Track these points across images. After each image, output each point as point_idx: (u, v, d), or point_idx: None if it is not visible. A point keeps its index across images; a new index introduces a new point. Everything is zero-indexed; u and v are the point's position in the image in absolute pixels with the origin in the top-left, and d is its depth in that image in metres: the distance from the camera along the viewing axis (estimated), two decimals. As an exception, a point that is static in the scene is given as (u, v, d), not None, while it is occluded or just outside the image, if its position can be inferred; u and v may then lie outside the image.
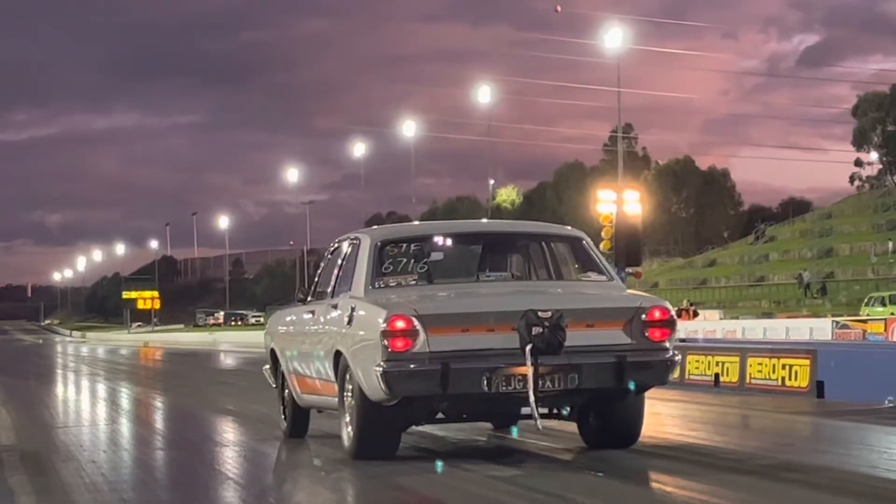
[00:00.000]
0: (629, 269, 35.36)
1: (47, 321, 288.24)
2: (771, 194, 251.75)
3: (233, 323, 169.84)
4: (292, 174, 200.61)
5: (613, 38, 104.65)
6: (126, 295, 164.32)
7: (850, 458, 14.49)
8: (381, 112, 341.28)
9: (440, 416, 13.47)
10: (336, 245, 15.26)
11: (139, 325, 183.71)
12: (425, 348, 12.21)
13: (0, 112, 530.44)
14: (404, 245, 14.34)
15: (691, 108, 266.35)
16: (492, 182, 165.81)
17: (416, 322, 12.18)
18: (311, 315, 14.90)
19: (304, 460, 15.11)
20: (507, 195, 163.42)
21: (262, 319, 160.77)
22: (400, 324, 12.16)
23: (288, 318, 16.63)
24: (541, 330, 12.14)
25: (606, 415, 13.80)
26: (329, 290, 14.56)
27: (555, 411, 13.63)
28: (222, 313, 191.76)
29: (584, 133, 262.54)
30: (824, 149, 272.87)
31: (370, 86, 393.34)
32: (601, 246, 34.76)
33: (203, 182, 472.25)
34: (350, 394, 13.18)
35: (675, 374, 13.86)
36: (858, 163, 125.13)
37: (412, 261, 14.02)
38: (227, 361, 56.52)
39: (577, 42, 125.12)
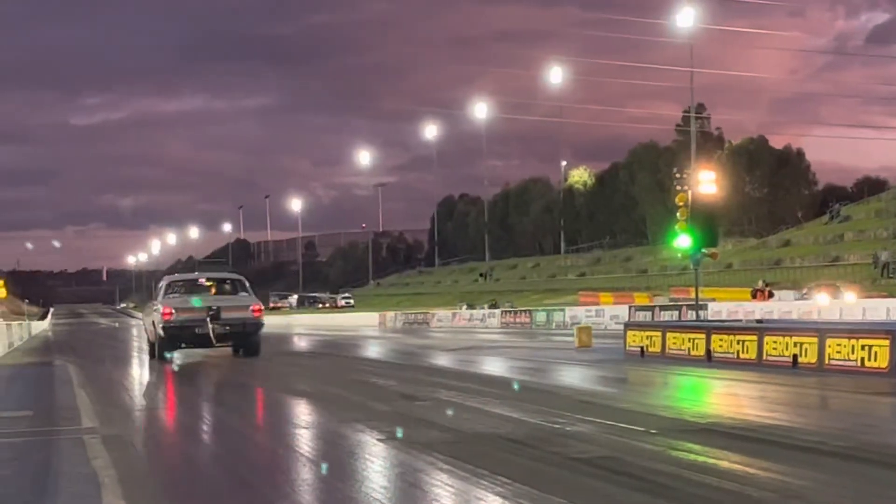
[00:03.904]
0: (705, 251, 35.05)
1: (122, 304, 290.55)
2: (842, 174, 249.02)
3: (320, 306, 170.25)
4: (362, 157, 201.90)
5: (685, 17, 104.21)
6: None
7: (932, 439, 14.35)
8: (447, 94, 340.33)
9: (183, 344, 35.33)
10: (161, 282, 38.43)
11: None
12: (176, 318, 34.18)
13: (71, 96, 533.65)
14: (178, 283, 37.88)
15: (760, 88, 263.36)
16: (564, 164, 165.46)
17: (172, 309, 34.27)
18: (150, 306, 37.96)
19: (372, 440, 15.14)
20: (579, 176, 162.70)
21: (352, 302, 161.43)
22: (166, 310, 34.23)
23: (146, 308, 39.24)
24: (213, 312, 34.30)
25: (244, 345, 35.80)
26: (156, 298, 37.12)
27: (222, 344, 35.08)
28: (295, 296, 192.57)
29: (653, 113, 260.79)
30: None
31: (437, 67, 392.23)
32: (677, 227, 34.50)
33: (272, 165, 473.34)
34: (154, 335, 35.73)
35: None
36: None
37: (181, 285, 37.44)
38: (301, 344, 56.75)
39: (642, 21, 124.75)
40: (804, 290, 68.31)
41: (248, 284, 37.55)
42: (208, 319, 34.11)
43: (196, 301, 35.02)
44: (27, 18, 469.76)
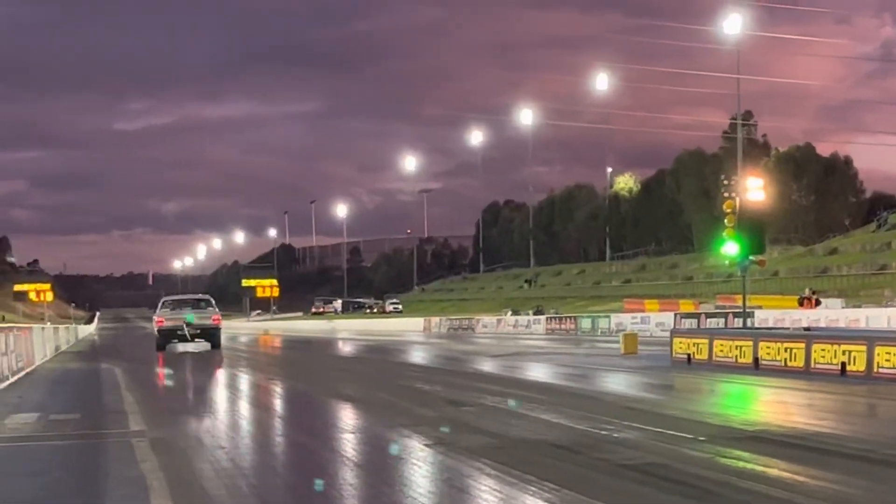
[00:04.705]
0: (753, 258, 34.87)
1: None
2: (890, 181, 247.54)
3: (367, 311, 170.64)
4: (407, 162, 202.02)
5: (732, 24, 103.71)
6: (245, 283, 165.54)
7: (984, 449, 14.21)
8: (492, 100, 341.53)
9: (174, 341, 51.35)
10: (160, 301, 54.34)
11: (258, 313, 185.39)
12: (165, 324, 50.60)
13: (116, 102, 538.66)
14: (169, 301, 53.91)
15: (806, 95, 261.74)
16: (609, 170, 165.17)
17: (165, 316, 51.10)
18: (153, 316, 53.77)
19: (418, 445, 15.12)
20: (625, 183, 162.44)
21: (399, 307, 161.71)
22: (159, 319, 51.21)
23: (153, 316, 53.74)
24: (190, 321, 50.64)
25: (209, 341, 51.46)
26: (157, 309, 52.93)
27: (195, 340, 51.22)
28: (340, 301, 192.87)
29: (698, 120, 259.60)
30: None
31: (482, 73, 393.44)
32: (724, 234, 34.35)
33: (316, 170, 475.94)
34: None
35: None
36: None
37: (170, 304, 53.26)
38: (346, 349, 56.86)
39: (688, 28, 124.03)
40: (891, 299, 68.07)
41: (213, 301, 53.91)
42: (185, 325, 50.51)
43: (189, 317, 51.32)
44: (72, 23, 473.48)
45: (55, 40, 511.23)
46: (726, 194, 34.73)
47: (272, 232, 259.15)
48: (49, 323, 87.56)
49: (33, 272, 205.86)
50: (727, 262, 37.82)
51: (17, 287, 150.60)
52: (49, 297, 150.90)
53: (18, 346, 33.25)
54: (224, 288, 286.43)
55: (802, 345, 27.69)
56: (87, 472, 13.64)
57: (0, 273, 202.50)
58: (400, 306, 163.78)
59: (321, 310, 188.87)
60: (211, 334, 51.31)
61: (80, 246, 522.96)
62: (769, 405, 21.94)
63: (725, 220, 34.41)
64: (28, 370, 35.77)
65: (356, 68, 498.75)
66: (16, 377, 31.17)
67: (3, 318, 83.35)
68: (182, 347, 52.26)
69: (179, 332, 50.30)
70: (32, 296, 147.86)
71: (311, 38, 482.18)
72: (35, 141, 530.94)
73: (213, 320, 51.26)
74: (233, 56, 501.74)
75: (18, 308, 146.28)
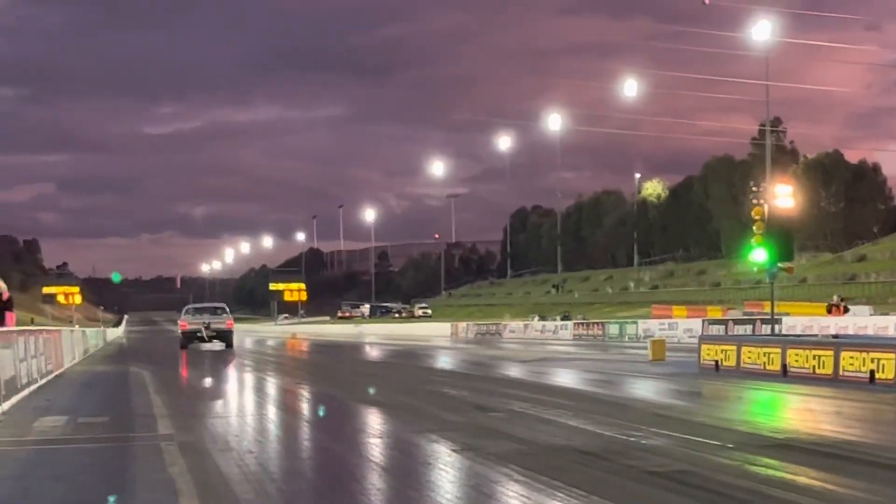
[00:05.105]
0: (781, 265, 34.80)
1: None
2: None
3: (396, 315, 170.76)
4: (435, 168, 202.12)
5: (761, 30, 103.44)
6: (273, 287, 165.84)
7: None
8: (519, 105, 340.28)
9: (194, 341, 58.98)
10: (183, 308, 65.08)
11: (286, 317, 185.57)
12: (188, 327, 59.27)
13: (146, 106, 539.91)
14: (191, 308, 63.64)
15: (834, 101, 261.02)
16: (637, 176, 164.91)
17: (187, 321, 59.89)
18: (180, 316, 63.76)
19: (446, 451, 15.12)
20: (653, 189, 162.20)
21: (429, 312, 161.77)
22: (183, 323, 60.48)
23: (178, 320, 64.44)
24: (206, 324, 59.27)
25: (223, 341, 59.23)
26: (181, 315, 62.80)
27: (212, 340, 59.43)
28: (367, 306, 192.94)
29: (726, 126, 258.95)
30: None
31: (510, 79, 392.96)
32: (753, 241, 34.33)
33: (344, 175, 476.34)
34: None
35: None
36: None
37: (192, 310, 62.73)
38: (374, 353, 56.93)
39: (716, 34, 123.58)
40: None
41: (227, 309, 63.37)
42: (203, 329, 59.24)
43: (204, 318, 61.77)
44: (103, 28, 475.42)
45: (85, 45, 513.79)
46: (755, 201, 34.68)
47: (300, 236, 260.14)
48: (77, 326, 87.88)
49: (62, 275, 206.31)
50: (755, 268, 37.74)
51: (46, 290, 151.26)
52: (78, 299, 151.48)
53: (47, 349, 33.34)
54: (252, 292, 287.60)
55: (831, 352, 27.59)
56: (115, 475, 13.68)
57: (29, 276, 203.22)
58: (429, 311, 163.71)
59: (347, 314, 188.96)
60: (225, 335, 59.73)
61: (108, 249, 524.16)
62: (797, 413, 21.87)
63: (754, 227, 34.36)
64: (57, 373, 35.87)
65: (385, 73, 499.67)
66: (45, 380, 31.25)
67: (32, 320, 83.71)
68: (204, 347, 59.85)
69: (199, 334, 58.88)
70: (61, 298, 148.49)
71: (340, 43, 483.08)
72: (65, 144, 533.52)
73: (227, 324, 60.21)
74: (262, 61, 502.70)
75: (47, 311, 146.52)
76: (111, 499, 12.05)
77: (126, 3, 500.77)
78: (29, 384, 26.97)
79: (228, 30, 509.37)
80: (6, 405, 21.79)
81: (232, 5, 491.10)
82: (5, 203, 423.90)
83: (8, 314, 27.19)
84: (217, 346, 59.53)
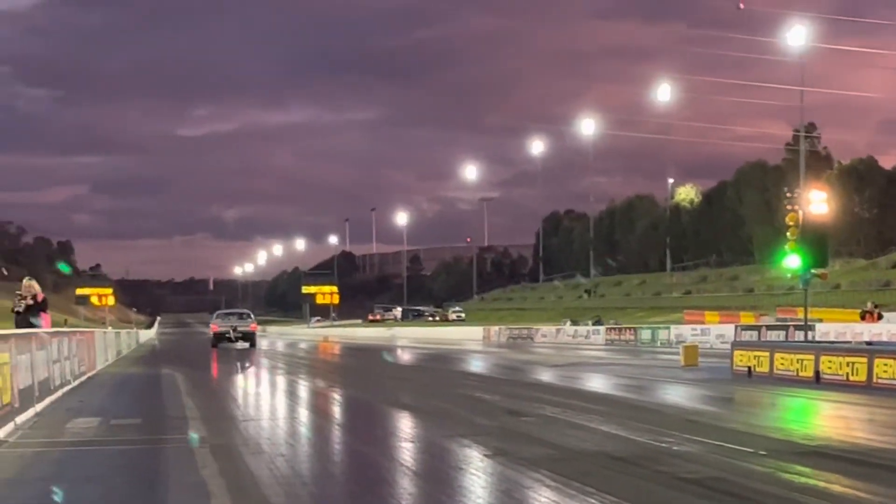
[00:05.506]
0: (815, 271, 34.65)
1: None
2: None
3: (429, 319, 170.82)
4: (468, 171, 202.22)
5: (796, 35, 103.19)
6: (305, 289, 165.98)
7: None
8: (552, 109, 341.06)
9: (224, 342, 68.13)
10: (214, 314, 77.59)
11: (318, 320, 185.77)
12: (218, 329, 69.51)
13: (180, 108, 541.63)
14: (221, 314, 75.69)
15: (869, 107, 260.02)
16: (671, 181, 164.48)
17: (217, 324, 70.48)
18: (211, 320, 75.09)
19: (478, 455, 15.10)
20: (686, 194, 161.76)
21: (463, 316, 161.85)
22: (213, 325, 71.22)
23: (210, 323, 76.34)
24: (234, 327, 69.20)
25: (248, 342, 68.64)
26: (212, 318, 75.19)
27: (239, 342, 68.39)
28: (399, 309, 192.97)
29: (760, 132, 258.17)
30: None
31: (543, 83, 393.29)
32: (787, 247, 34.22)
33: (377, 178, 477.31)
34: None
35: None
36: None
37: (222, 315, 74.52)
38: (405, 357, 56.95)
39: (751, 39, 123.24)
40: None
41: (251, 314, 74.45)
42: (231, 331, 68.22)
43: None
44: (138, 30, 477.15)
45: (120, 47, 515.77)
46: (789, 207, 34.55)
47: (333, 239, 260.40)
48: (111, 327, 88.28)
49: (95, 276, 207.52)
50: (789, 274, 37.58)
51: (80, 291, 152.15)
52: (111, 301, 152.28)
53: (81, 351, 33.49)
54: (284, 294, 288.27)
55: (864, 359, 27.45)
56: (147, 477, 13.72)
57: (63, 277, 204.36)
58: (463, 315, 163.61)
59: (378, 317, 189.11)
60: (249, 336, 69.30)
61: (141, 251, 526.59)
62: (830, 420, 21.77)
63: (788, 233, 34.24)
64: (90, 374, 36.05)
65: (418, 76, 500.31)
66: (78, 381, 31.40)
67: (66, 321, 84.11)
68: (235, 346, 68.28)
69: (227, 336, 68.50)
70: (94, 300, 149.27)
71: (373, 47, 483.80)
72: (98, 146, 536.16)
73: (251, 327, 70.41)
74: (296, 63, 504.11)
75: (80, 312, 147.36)
76: None
77: (160, 5, 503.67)
78: (62, 385, 27.10)
79: (263, 32, 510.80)
80: (39, 406, 21.90)
81: (266, 8, 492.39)
82: (39, 204, 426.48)
83: (44, 315, 27.30)
84: (241, 345, 68.31)
